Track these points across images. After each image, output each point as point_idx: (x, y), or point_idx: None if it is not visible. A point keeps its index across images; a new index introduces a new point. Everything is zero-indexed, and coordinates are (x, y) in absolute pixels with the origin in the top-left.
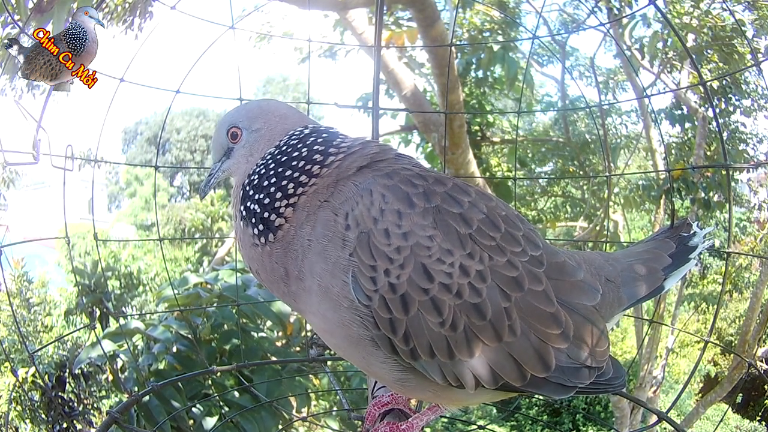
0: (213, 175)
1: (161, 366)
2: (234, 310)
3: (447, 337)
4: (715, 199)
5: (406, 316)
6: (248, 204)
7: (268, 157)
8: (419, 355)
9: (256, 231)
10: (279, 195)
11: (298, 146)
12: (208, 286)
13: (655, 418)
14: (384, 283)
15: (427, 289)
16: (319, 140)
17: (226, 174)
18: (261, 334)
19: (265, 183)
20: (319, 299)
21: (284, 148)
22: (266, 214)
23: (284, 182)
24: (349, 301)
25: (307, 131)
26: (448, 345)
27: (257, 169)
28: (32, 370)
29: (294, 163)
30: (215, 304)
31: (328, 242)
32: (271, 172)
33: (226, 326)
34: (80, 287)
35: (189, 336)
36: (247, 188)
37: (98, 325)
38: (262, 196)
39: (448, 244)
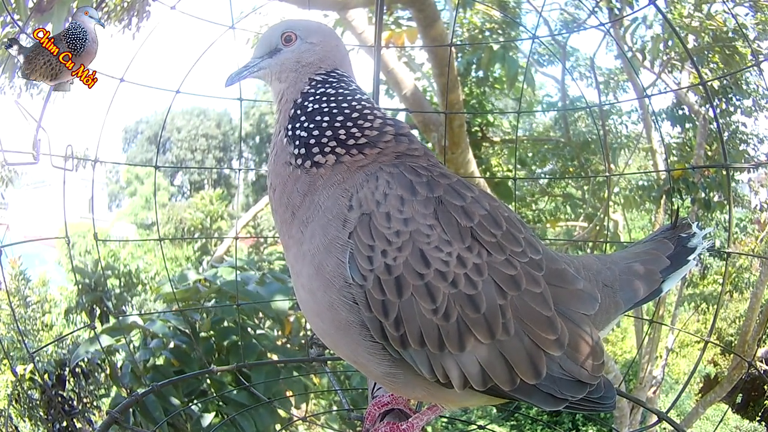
0: (249, 68)
1: (159, 361)
2: (234, 306)
3: (439, 326)
4: (716, 199)
5: (399, 299)
6: (296, 126)
7: (321, 89)
8: (409, 342)
9: (296, 151)
10: (329, 134)
11: (349, 98)
12: (207, 283)
13: (655, 418)
14: (380, 263)
15: (422, 274)
16: (369, 112)
17: (262, 72)
18: (259, 331)
19: (318, 117)
20: (312, 274)
21: (338, 88)
22: (312, 141)
23: (337, 125)
24: (342, 280)
25: (358, 93)
26: (439, 334)
27: (311, 98)
28: (31, 367)
29: (347, 112)
30: (213, 300)
31: (332, 217)
32: (325, 109)
33: (226, 322)
34: (80, 286)
35: (187, 331)
36: (299, 112)
37: (98, 325)
38: (313, 126)
39: (447, 235)
